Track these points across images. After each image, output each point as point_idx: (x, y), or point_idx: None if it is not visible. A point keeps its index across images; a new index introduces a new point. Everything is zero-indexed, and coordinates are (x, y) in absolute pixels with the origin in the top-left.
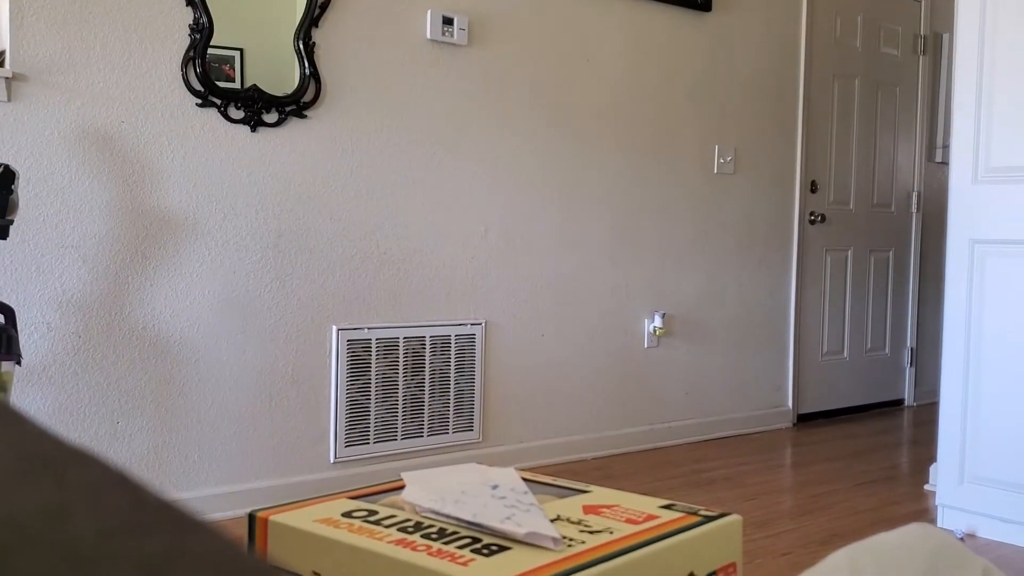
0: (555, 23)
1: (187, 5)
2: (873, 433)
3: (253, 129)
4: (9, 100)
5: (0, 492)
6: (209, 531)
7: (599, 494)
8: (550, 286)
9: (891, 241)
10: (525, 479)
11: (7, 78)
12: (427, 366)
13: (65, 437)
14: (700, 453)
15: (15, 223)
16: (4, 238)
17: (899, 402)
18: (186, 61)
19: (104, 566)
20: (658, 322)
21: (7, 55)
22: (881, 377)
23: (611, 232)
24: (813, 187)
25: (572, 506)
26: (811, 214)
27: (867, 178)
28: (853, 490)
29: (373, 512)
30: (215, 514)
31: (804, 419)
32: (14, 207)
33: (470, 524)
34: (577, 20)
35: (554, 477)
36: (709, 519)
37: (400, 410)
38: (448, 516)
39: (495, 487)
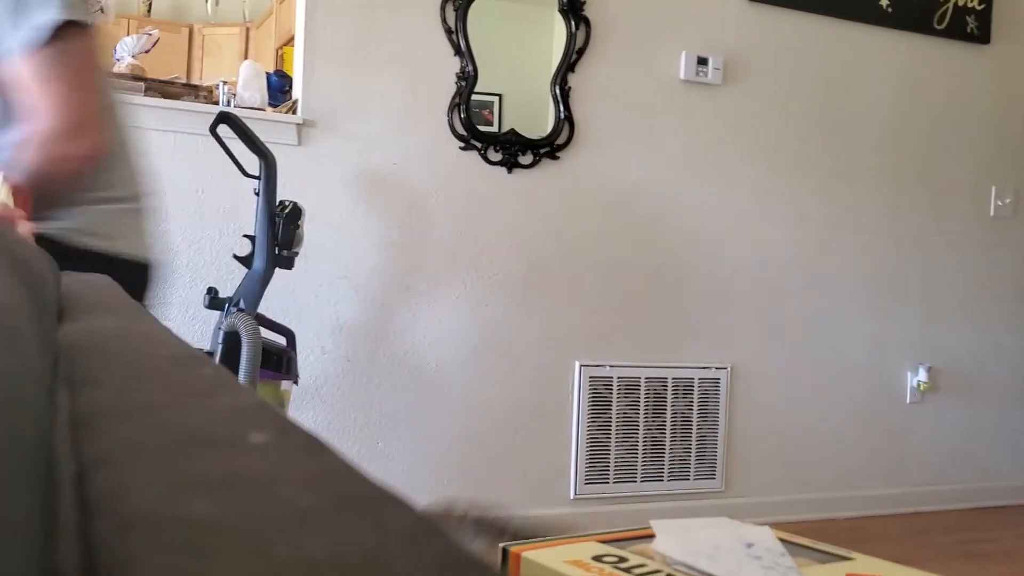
0: (813, 59)
1: (455, 55)
2: None
3: (509, 171)
4: (299, 144)
5: (322, 529)
6: None
7: (864, 563)
8: (802, 331)
9: None
10: (781, 539)
11: (298, 124)
12: (669, 408)
13: (372, 476)
14: (970, 522)
15: (299, 255)
16: (289, 268)
17: None
18: (452, 107)
19: None
20: (923, 376)
21: (299, 103)
22: None
23: (870, 276)
24: None
25: (834, 573)
26: None
27: None
28: None
29: (623, 559)
30: None
31: None
32: (299, 241)
33: None
34: (835, 55)
35: (813, 540)
36: None
37: (640, 452)
38: (701, 572)
39: (750, 545)
